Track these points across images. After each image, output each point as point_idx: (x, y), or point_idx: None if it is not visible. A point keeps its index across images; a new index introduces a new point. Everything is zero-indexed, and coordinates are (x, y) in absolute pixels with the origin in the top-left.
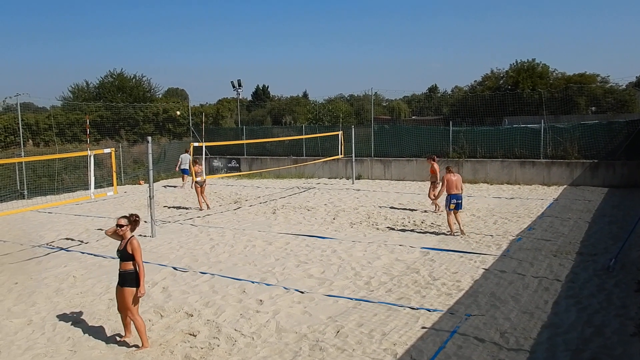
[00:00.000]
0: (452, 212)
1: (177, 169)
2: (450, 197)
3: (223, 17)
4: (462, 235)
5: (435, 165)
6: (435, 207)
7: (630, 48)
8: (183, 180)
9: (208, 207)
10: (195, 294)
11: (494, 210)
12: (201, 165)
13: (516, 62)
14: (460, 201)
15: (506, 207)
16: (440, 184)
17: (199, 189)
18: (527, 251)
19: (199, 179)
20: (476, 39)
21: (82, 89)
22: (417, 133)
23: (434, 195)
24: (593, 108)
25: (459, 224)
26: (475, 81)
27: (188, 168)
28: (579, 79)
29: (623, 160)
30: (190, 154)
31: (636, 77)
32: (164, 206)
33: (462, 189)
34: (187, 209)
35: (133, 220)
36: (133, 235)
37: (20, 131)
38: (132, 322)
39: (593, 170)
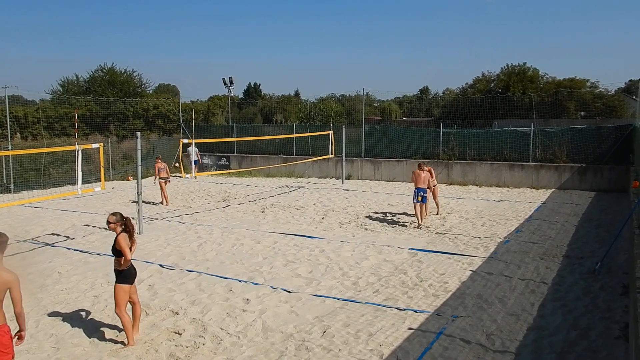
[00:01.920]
0: (418, 203)
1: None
2: (417, 190)
3: (216, 14)
4: (421, 227)
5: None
6: (437, 208)
7: (620, 54)
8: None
9: (167, 204)
10: (182, 292)
11: (482, 213)
12: (164, 162)
13: (507, 65)
14: (425, 195)
15: (494, 210)
16: (412, 180)
17: (163, 184)
18: (514, 254)
19: (163, 174)
20: (468, 41)
21: (72, 82)
22: (408, 134)
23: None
24: (582, 113)
25: (422, 217)
26: (466, 83)
27: (197, 159)
28: (569, 84)
29: (611, 164)
30: (191, 148)
31: (625, 82)
32: (153, 203)
33: (428, 184)
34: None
35: (121, 220)
36: (120, 232)
37: (8, 124)
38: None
39: (581, 174)
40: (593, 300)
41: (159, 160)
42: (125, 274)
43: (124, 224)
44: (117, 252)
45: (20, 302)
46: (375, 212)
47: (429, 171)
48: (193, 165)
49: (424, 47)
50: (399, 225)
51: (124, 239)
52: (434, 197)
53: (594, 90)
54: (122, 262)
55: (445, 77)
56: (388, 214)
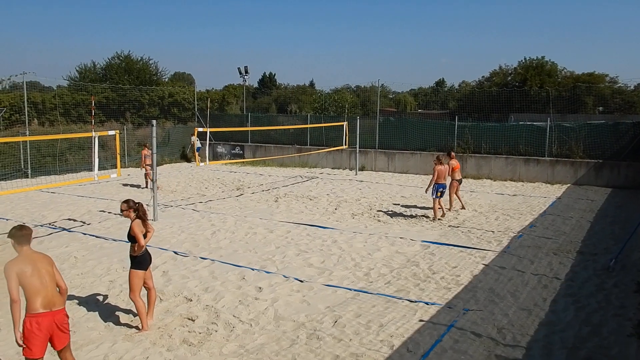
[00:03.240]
0: (438, 199)
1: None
2: (437, 186)
3: (232, 4)
4: (442, 219)
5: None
6: (460, 203)
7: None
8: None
9: (146, 187)
10: (195, 279)
11: (496, 207)
12: (150, 150)
13: (525, 59)
14: (444, 190)
15: (508, 204)
16: (433, 174)
17: (148, 170)
18: (527, 248)
19: (148, 161)
20: (485, 34)
21: (89, 69)
22: (423, 127)
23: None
24: (600, 108)
25: (442, 209)
26: (483, 77)
27: (200, 146)
28: (588, 79)
29: (628, 161)
30: (196, 137)
31: None
32: (138, 186)
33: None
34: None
35: (134, 206)
36: (135, 219)
37: (26, 110)
38: (151, 305)
39: (597, 170)
40: (606, 297)
41: (146, 148)
42: (139, 260)
43: (136, 210)
44: (132, 238)
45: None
46: (388, 204)
47: (453, 169)
48: (197, 153)
49: (441, 39)
50: (412, 218)
51: (137, 225)
52: (456, 192)
53: (613, 86)
54: (136, 248)
55: (461, 69)
56: (401, 206)
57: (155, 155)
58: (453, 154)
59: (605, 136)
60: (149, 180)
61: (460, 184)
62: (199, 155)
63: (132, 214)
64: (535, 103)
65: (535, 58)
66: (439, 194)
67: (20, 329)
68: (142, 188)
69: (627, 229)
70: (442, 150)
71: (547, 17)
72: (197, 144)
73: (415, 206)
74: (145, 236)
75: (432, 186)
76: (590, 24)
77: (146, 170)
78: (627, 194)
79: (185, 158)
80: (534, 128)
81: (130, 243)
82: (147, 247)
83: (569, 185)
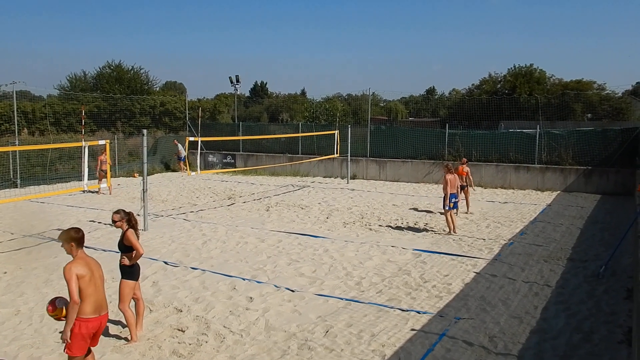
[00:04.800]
0: (451, 210)
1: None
2: (451, 195)
3: (223, 12)
4: (455, 234)
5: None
6: (467, 207)
7: (627, 56)
8: (181, 168)
9: (110, 191)
10: (186, 289)
11: (487, 214)
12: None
13: (514, 66)
14: (457, 200)
15: (499, 212)
16: (445, 183)
17: (102, 175)
18: (518, 256)
19: (104, 167)
20: (475, 42)
21: (79, 79)
22: (414, 134)
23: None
24: (589, 115)
25: (454, 224)
26: (473, 84)
27: (184, 156)
28: (576, 86)
29: (617, 167)
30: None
31: (632, 85)
32: (158, 200)
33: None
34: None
35: (126, 216)
36: (128, 229)
37: (16, 119)
38: (139, 316)
39: (587, 176)
40: (597, 304)
41: (103, 154)
42: (131, 270)
43: (128, 220)
44: (125, 248)
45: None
46: (379, 212)
47: (466, 174)
48: (181, 162)
49: (431, 47)
50: (403, 226)
51: (132, 234)
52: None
53: (601, 93)
54: (132, 257)
55: (451, 77)
56: (393, 214)
57: (146, 165)
58: (465, 159)
59: (594, 143)
60: (102, 186)
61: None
62: (183, 164)
63: (125, 224)
64: (525, 110)
65: (524, 65)
66: (451, 204)
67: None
68: (101, 194)
69: (616, 235)
70: (434, 158)
71: (536, 25)
72: (182, 152)
73: (407, 214)
74: None
75: (447, 198)
76: (578, 31)
77: (100, 176)
78: (616, 200)
79: (169, 168)
80: (523, 135)
81: (121, 253)
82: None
83: (558, 192)
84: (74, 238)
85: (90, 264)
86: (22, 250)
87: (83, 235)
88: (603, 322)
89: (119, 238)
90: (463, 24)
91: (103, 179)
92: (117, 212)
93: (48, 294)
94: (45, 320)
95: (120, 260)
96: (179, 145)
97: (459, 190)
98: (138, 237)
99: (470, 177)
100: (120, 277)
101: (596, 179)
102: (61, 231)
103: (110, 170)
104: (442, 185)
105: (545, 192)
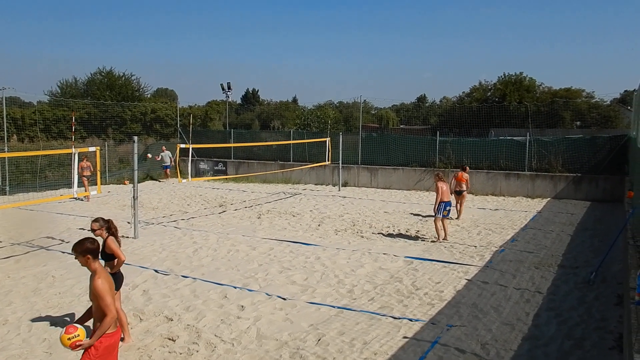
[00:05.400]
0: (443, 218)
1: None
2: (445, 204)
3: (215, 19)
4: (446, 241)
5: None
6: (459, 214)
7: (615, 65)
8: (165, 176)
9: (88, 199)
10: (176, 297)
11: (478, 221)
12: (89, 161)
13: (504, 74)
14: (450, 208)
15: (490, 219)
16: (436, 191)
17: (85, 181)
18: (509, 263)
19: (86, 173)
20: (465, 50)
21: (70, 85)
22: (405, 142)
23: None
24: (578, 122)
25: (446, 231)
26: (463, 92)
27: (169, 163)
28: (565, 94)
29: (606, 174)
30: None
31: (620, 93)
32: (149, 207)
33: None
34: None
35: (105, 224)
36: (108, 236)
37: (5, 126)
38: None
39: (576, 183)
40: (587, 310)
41: (85, 160)
42: (114, 278)
43: (108, 228)
44: (107, 256)
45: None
46: (371, 220)
47: (466, 181)
48: (165, 170)
49: (422, 55)
50: (395, 233)
51: (113, 242)
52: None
53: (590, 101)
54: (114, 265)
55: (442, 85)
56: (384, 222)
57: (136, 172)
58: (467, 167)
59: (583, 150)
60: (86, 189)
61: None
62: (169, 172)
63: (105, 232)
64: (515, 118)
65: (514, 74)
66: (445, 212)
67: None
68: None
69: (606, 242)
70: (425, 165)
71: (525, 34)
72: (166, 160)
73: (398, 220)
74: None
75: (438, 205)
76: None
77: (84, 182)
78: (605, 207)
79: (153, 178)
80: (513, 143)
81: (105, 262)
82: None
83: (549, 199)
84: (90, 250)
85: (108, 276)
86: (10, 258)
87: (99, 246)
88: (594, 329)
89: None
90: (454, 32)
91: (92, 186)
92: (95, 220)
93: (37, 303)
94: (33, 330)
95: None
96: (166, 152)
97: (455, 195)
98: (120, 243)
99: (469, 184)
100: None
101: (586, 186)
102: (75, 243)
103: (95, 177)
104: (434, 193)
105: (535, 199)
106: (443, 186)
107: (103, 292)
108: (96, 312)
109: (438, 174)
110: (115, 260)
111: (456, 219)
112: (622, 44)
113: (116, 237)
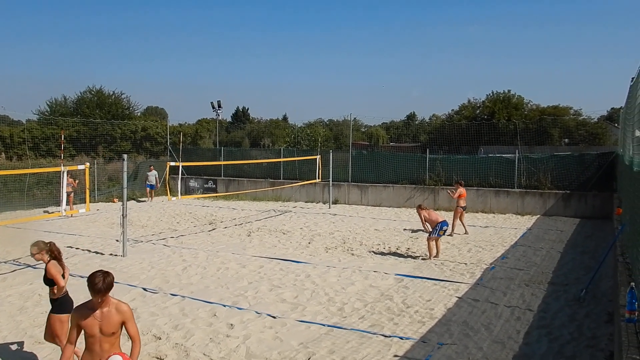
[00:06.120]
0: (439, 237)
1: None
2: (441, 224)
3: (205, 38)
4: (437, 259)
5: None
6: (464, 228)
7: (602, 83)
8: (149, 195)
9: (71, 213)
10: (165, 316)
11: (468, 238)
12: (72, 178)
13: (492, 92)
14: (447, 228)
15: (480, 236)
16: (425, 220)
17: (70, 198)
18: (500, 280)
19: (69, 189)
20: (453, 68)
21: (59, 103)
22: (395, 159)
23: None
24: (566, 140)
25: (438, 249)
26: (452, 110)
27: (154, 184)
28: (553, 111)
29: (594, 191)
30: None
31: (607, 111)
32: (138, 225)
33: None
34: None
35: (45, 247)
36: (50, 260)
37: None
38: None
39: (566, 200)
40: (578, 328)
41: (68, 177)
42: (60, 302)
43: (49, 251)
44: (49, 281)
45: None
46: (361, 237)
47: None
48: (148, 189)
49: (410, 73)
50: (386, 251)
51: (54, 266)
52: (461, 218)
53: (577, 118)
54: (56, 291)
55: (431, 103)
56: (375, 239)
57: (125, 190)
58: (462, 182)
59: (572, 167)
60: (70, 205)
61: (464, 210)
62: (152, 191)
63: (46, 256)
64: (504, 135)
65: (502, 92)
66: (441, 232)
67: None
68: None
69: (596, 259)
70: (415, 183)
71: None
72: (151, 179)
73: (389, 238)
74: (63, 276)
75: (431, 227)
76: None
77: (68, 198)
78: (595, 224)
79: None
80: (503, 160)
81: (49, 287)
82: (67, 289)
83: (538, 216)
84: (111, 285)
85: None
86: None
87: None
88: (585, 347)
89: (95, 264)
90: (441, 50)
91: (80, 204)
92: (34, 244)
93: (22, 322)
94: (19, 350)
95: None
96: (153, 172)
97: (462, 210)
98: (63, 268)
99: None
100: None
101: (575, 203)
102: (102, 277)
103: (79, 193)
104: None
105: (525, 216)
106: (430, 213)
107: (133, 317)
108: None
109: (420, 205)
110: (55, 286)
111: (464, 233)
112: (608, 61)
113: (59, 260)
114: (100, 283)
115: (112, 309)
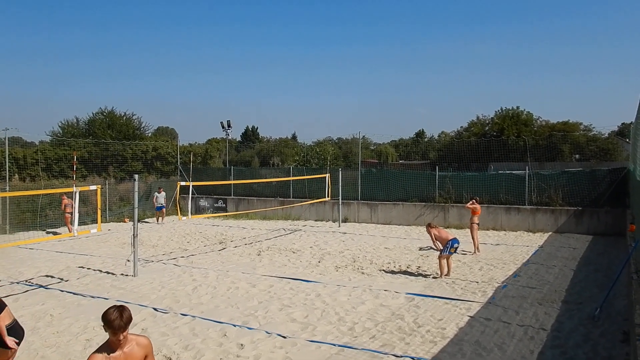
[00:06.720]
0: (450, 255)
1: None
2: (452, 241)
3: (215, 58)
4: (448, 277)
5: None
6: (475, 248)
7: (612, 98)
8: (158, 217)
9: (70, 231)
10: (175, 336)
11: (479, 256)
12: (70, 198)
13: (501, 109)
14: (458, 245)
15: (492, 254)
16: (435, 238)
17: (68, 217)
18: (512, 299)
19: (68, 210)
20: (461, 85)
21: (72, 125)
22: (404, 177)
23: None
24: (577, 156)
25: (449, 267)
26: (461, 127)
27: (163, 204)
28: (563, 127)
29: (607, 208)
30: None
31: (618, 126)
32: (148, 245)
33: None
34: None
35: None
36: None
37: (7, 166)
38: None
39: (577, 217)
40: (593, 348)
41: (65, 198)
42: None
43: None
44: None
45: None
46: (372, 256)
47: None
48: (157, 211)
49: (419, 90)
50: (396, 270)
51: None
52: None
53: (588, 133)
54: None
55: (440, 120)
56: (385, 258)
57: (137, 210)
58: (477, 198)
59: (583, 183)
60: (69, 227)
61: (478, 226)
62: (163, 211)
63: None
64: (513, 152)
65: (511, 108)
66: (452, 250)
67: None
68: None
69: (610, 276)
70: (425, 200)
71: (521, 68)
72: (161, 200)
73: (399, 256)
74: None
75: (442, 245)
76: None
77: (66, 218)
78: (608, 241)
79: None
80: (513, 177)
81: None
82: (17, 321)
83: (550, 233)
84: (130, 319)
85: None
86: (9, 297)
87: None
88: None
89: (107, 284)
90: (449, 68)
91: (92, 224)
92: None
93: (34, 342)
94: None
95: None
96: (162, 193)
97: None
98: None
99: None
100: None
101: (587, 220)
102: (118, 314)
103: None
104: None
105: (536, 233)
106: (440, 231)
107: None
108: None
109: (429, 224)
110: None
111: (478, 252)
112: (618, 76)
113: (1, 309)
114: (118, 319)
115: (134, 345)
